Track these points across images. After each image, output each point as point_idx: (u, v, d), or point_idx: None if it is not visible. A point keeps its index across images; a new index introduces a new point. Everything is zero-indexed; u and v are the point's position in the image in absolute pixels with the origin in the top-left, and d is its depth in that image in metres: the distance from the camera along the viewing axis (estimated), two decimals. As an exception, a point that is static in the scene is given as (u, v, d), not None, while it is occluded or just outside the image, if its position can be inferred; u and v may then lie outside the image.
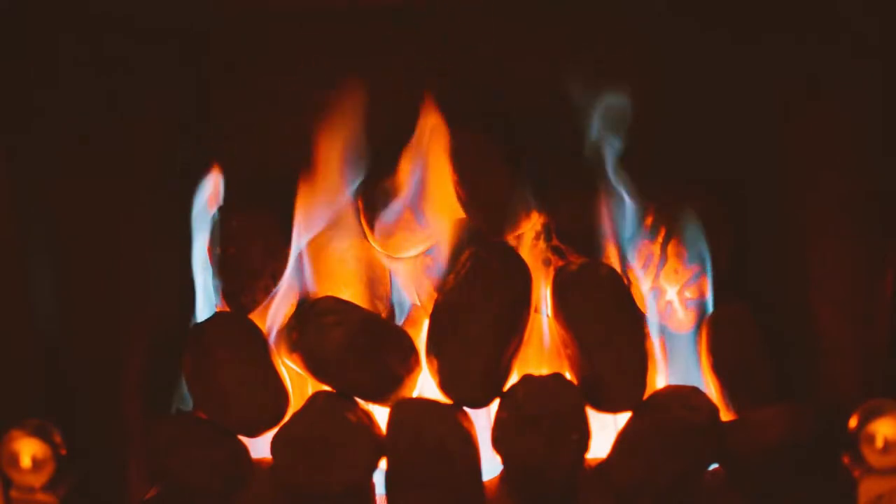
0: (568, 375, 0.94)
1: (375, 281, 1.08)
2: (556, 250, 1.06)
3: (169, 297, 1.06)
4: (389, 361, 0.95)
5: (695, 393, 0.93)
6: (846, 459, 0.84)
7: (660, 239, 1.05)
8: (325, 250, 1.07)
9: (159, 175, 1.05)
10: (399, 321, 1.08)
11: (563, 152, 1.06)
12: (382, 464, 0.91)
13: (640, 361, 0.91)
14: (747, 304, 1.04)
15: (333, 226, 1.07)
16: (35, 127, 0.85)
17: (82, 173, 0.91)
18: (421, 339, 0.98)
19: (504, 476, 0.93)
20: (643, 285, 1.05)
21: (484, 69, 1.10)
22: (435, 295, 1.03)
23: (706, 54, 1.08)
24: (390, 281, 1.10)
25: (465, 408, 0.94)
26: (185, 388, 1.00)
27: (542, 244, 1.06)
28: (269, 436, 0.93)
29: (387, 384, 0.95)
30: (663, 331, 1.06)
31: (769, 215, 1.04)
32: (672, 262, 1.04)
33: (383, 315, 1.07)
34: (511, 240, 1.06)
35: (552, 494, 0.90)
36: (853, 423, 0.82)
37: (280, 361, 0.98)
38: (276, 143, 1.12)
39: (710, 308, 1.05)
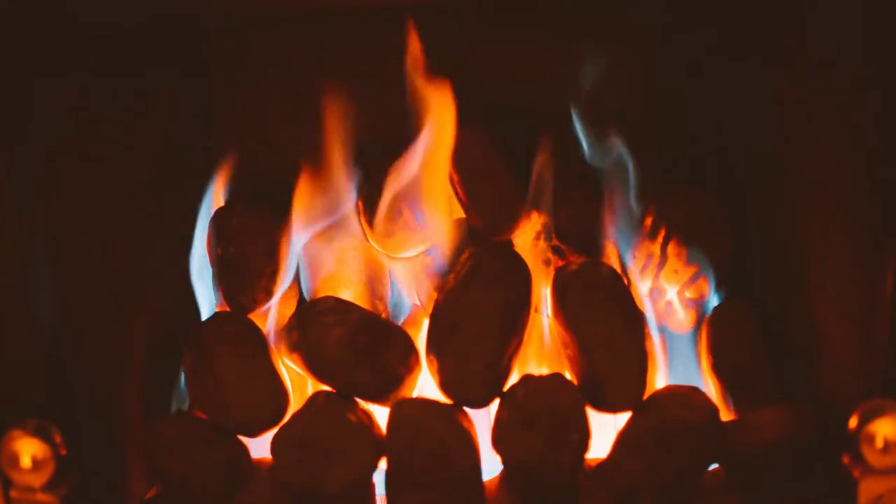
0: (568, 375, 0.94)
1: (375, 281, 1.08)
2: (556, 250, 1.06)
3: (169, 296, 1.06)
4: (389, 361, 0.95)
5: (695, 393, 0.92)
6: (846, 459, 0.84)
7: (660, 239, 1.05)
8: (325, 250, 1.07)
9: (159, 175, 1.05)
10: (399, 321, 1.08)
11: (564, 153, 1.06)
12: (382, 464, 0.91)
13: (640, 361, 0.91)
14: (747, 304, 1.04)
15: (333, 225, 1.08)
16: (35, 128, 0.85)
17: (82, 173, 0.91)
18: (421, 339, 0.98)
19: (504, 476, 0.93)
20: (643, 285, 1.05)
21: (485, 69, 1.10)
22: (435, 295, 1.03)
23: (706, 54, 1.08)
24: (390, 281, 1.10)
25: (465, 408, 0.94)
26: (184, 388, 1.00)
27: (542, 244, 1.06)
28: (269, 436, 0.93)
29: (387, 384, 0.95)
30: (663, 331, 1.06)
31: (769, 215, 1.04)
32: (672, 262, 1.04)
33: (383, 315, 1.07)
34: (511, 240, 1.06)
35: (552, 494, 0.90)
36: (853, 423, 0.82)
37: (280, 361, 0.98)
38: (277, 142, 1.12)
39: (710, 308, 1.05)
